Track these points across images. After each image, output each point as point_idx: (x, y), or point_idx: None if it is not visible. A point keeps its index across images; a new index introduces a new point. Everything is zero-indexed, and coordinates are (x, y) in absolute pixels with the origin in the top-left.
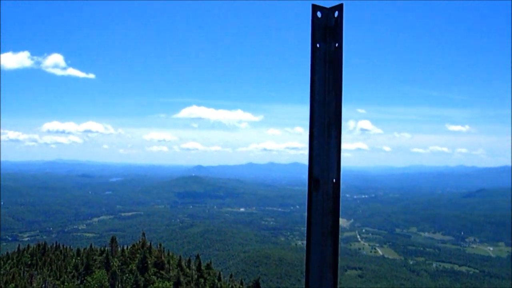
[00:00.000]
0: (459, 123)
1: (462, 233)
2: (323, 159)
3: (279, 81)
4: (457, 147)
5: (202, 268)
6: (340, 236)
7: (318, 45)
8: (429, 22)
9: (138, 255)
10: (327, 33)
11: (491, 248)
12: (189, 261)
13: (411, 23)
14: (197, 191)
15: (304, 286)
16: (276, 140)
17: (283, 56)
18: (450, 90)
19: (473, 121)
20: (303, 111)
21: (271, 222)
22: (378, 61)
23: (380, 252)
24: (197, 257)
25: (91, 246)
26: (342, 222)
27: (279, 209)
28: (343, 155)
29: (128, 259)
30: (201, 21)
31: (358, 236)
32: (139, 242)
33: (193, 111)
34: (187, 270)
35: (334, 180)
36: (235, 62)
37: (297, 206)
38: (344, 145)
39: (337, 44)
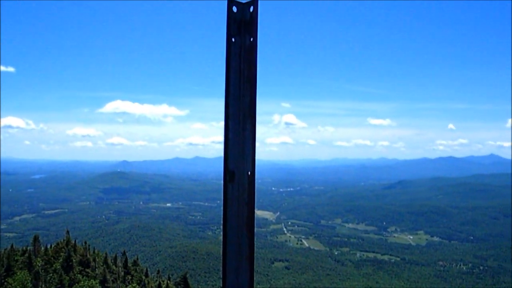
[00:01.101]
0: (381, 117)
1: (384, 223)
2: (238, 152)
3: (204, 75)
4: (379, 140)
5: (129, 264)
6: (266, 229)
7: (233, 39)
8: (352, 19)
9: (62, 253)
10: (242, 27)
11: (411, 237)
12: (116, 258)
13: (335, 18)
14: (122, 187)
15: (221, 277)
16: (202, 134)
17: (207, 51)
18: (371, 85)
19: (394, 115)
20: None
21: (198, 217)
22: (302, 56)
23: (306, 243)
24: (124, 253)
25: (12, 246)
26: (269, 215)
27: (206, 204)
28: (269, 149)
29: (52, 258)
30: (124, 16)
31: (284, 229)
32: (64, 240)
33: (117, 105)
34: (114, 267)
35: (249, 173)
36: (159, 57)
37: None
38: (269, 139)
39: (252, 39)
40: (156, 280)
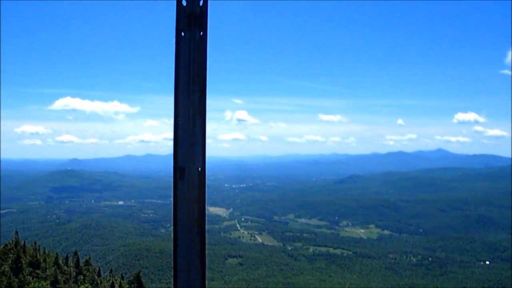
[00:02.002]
0: (332, 113)
1: (336, 217)
2: (188, 148)
3: (155, 72)
4: (331, 136)
5: (81, 264)
6: (219, 226)
7: (183, 34)
8: (303, 15)
9: (11, 255)
10: (192, 21)
11: (363, 230)
12: (67, 258)
13: (286, 14)
14: (73, 185)
15: (172, 275)
16: (154, 131)
17: (157, 46)
18: (322, 81)
19: (344, 111)
20: None
21: (151, 214)
22: (254, 52)
23: (259, 239)
24: (75, 253)
25: None
26: (222, 211)
27: (159, 201)
28: (221, 145)
29: (0, 260)
30: (74, 9)
31: (238, 225)
32: (12, 241)
33: (67, 102)
34: (65, 267)
35: (199, 169)
36: (109, 53)
37: None
38: (221, 136)
39: (202, 33)
40: (109, 280)
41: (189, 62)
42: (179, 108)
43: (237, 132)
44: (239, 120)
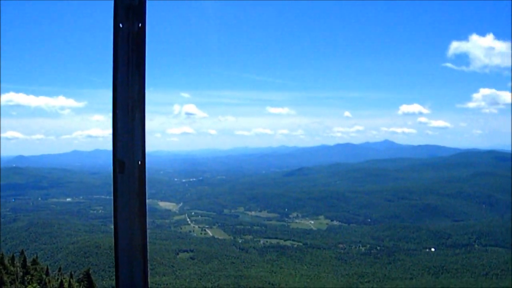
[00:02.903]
0: (279, 106)
1: (286, 209)
2: (127, 141)
3: (100, 65)
4: (279, 129)
5: (28, 264)
6: (170, 220)
7: (121, 25)
8: (247, 8)
9: None
10: (130, 12)
11: (312, 222)
12: (13, 258)
13: (232, 6)
14: (19, 183)
15: (114, 271)
16: (101, 126)
17: (99, 39)
18: (269, 74)
19: (292, 104)
20: None
21: (100, 211)
22: (201, 45)
23: (210, 233)
24: (22, 253)
25: None
26: (172, 206)
27: (107, 197)
28: (170, 139)
29: None
30: (14, 2)
31: (188, 219)
32: None
33: (11, 97)
34: (11, 268)
35: (139, 162)
36: (53, 47)
37: None
38: (170, 130)
39: (140, 24)
40: (58, 278)
41: (128, 55)
42: (117, 101)
43: (186, 126)
44: (188, 114)
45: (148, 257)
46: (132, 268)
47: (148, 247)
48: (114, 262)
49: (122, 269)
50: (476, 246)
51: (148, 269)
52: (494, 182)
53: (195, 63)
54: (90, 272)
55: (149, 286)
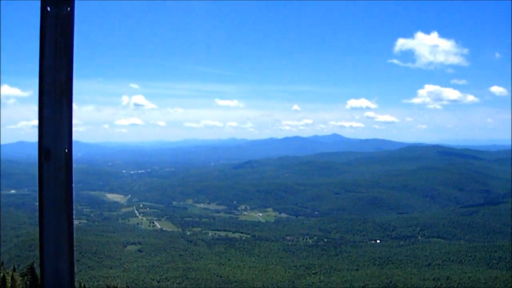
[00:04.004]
0: (228, 98)
1: (235, 202)
2: (54, 129)
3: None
4: (228, 121)
5: None
6: (118, 213)
7: (48, 9)
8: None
9: None
10: None
11: (261, 214)
12: None
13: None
14: None
15: (39, 261)
16: None
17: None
18: (218, 66)
19: (241, 96)
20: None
21: None
22: (149, 36)
23: (158, 225)
24: None
25: None
26: (120, 198)
27: None
28: (119, 130)
29: None
30: None
31: (136, 211)
32: None
33: None
34: None
35: (66, 150)
36: None
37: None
38: (118, 121)
39: (69, 8)
40: (0, 273)
41: (55, 39)
42: (44, 87)
43: (134, 117)
44: (137, 105)
45: (75, 248)
46: (58, 259)
47: (74, 238)
48: (39, 252)
49: (47, 261)
50: (419, 237)
51: (75, 260)
52: (438, 176)
53: (144, 54)
54: (34, 266)
55: (75, 277)
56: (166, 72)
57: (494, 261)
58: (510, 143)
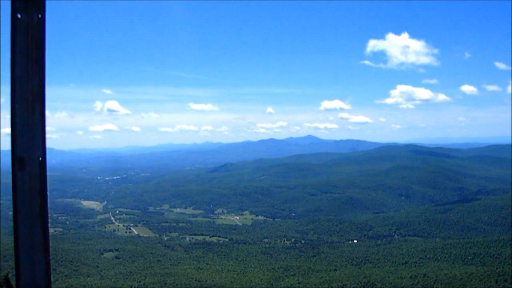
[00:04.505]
0: (203, 102)
1: (211, 206)
2: (27, 137)
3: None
4: (203, 125)
5: None
6: (93, 220)
7: (19, 16)
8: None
9: None
10: (29, 2)
11: (238, 217)
12: None
13: (152, 4)
14: None
15: (14, 271)
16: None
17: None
18: (192, 70)
19: (215, 100)
20: (49, 90)
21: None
22: (121, 41)
23: (135, 231)
24: None
25: None
26: (95, 205)
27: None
28: (93, 137)
29: None
30: None
31: (112, 218)
32: None
33: None
34: None
35: (40, 159)
36: None
37: None
38: (92, 127)
39: (40, 15)
40: None
41: (26, 46)
42: (16, 95)
43: (108, 123)
44: (110, 111)
45: (51, 257)
46: (34, 268)
47: (50, 246)
48: (14, 262)
49: (23, 270)
50: (396, 236)
51: (51, 268)
52: (412, 175)
53: (117, 59)
54: (9, 276)
55: (51, 286)
56: (140, 77)
57: (469, 257)
58: (482, 140)
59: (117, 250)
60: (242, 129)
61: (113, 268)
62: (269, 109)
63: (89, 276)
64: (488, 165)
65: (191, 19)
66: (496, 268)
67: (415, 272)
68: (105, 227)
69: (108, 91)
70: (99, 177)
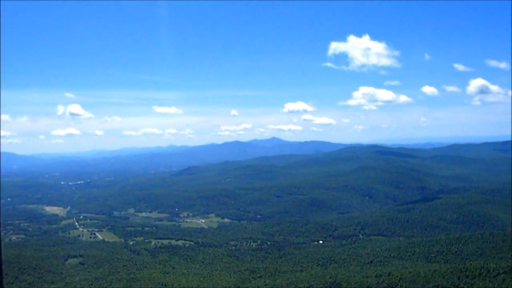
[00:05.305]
0: (166, 105)
1: (177, 209)
2: None
3: None
4: (167, 128)
5: None
6: (57, 225)
7: None
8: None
9: None
10: None
11: (203, 220)
12: None
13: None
14: None
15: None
16: None
17: None
18: (155, 73)
19: (179, 103)
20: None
21: None
22: (83, 43)
23: (100, 236)
24: None
25: None
26: (59, 210)
27: None
28: (55, 141)
29: None
30: None
31: (76, 223)
32: None
33: None
34: None
35: None
36: None
37: None
38: (54, 131)
39: None
40: None
41: None
42: None
43: (71, 127)
44: (73, 115)
45: (3, 261)
46: None
47: (2, 251)
48: None
49: None
50: (360, 236)
51: (3, 273)
52: (375, 175)
53: (79, 61)
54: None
55: None
56: (103, 80)
57: (432, 255)
58: (443, 140)
59: (81, 256)
60: (207, 131)
61: (77, 274)
62: (234, 112)
63: (53, 283)
64: (449, 164)
65: (154, 21)
66: (458, 265)
67: (380, 271)
68: (69, 233)
69: (70, 95)
70: (62, 182)
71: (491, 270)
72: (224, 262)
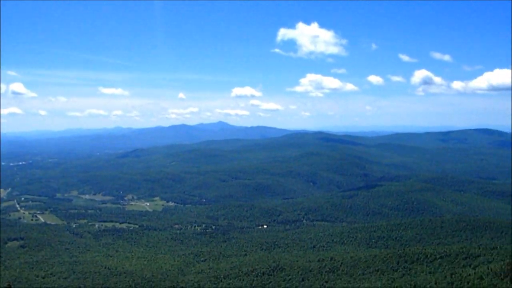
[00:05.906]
0: (113, 86)
1: (121, 192)
2: None
3: None
4: (113, 110)
5: None
6: None
7: None
8: None
9: None
10: None
11: (148, 204)
12: None
13: None
14: None
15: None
16: None
17: None
18: (102, 53)
19: (126, 85)
20: None
21: None
22: (28, 20)
23: (42, 219)
24: None
25: None
26: None
27: None
28: None
29: None
30: None
31: (17, 205)
32: None
33: None
34: None
35: None
36: None
37: None
38: None
39: None
40: None
41: None
42: None
43: (13, 106)
44: (15, 94)
45: None
46: None
47: None
48: None
49: None
50: (304, 221)
51: None
52: (320, 161)
53: (22, 39)
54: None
55: None
56: (47, 59)
57: (373, 241)
58: (387, 129)
59: (22, 239)
60: (153, 114)
61: (18, 257)
62: (181, 95)
63: None
64: (392, 152)
65: (103, 1)
66: (398, 250)
67: (322, 256)
68: (10, 215)
69: (13, 73)
70: (3, 163)
71: (429, 255)
72: (168, 245)
